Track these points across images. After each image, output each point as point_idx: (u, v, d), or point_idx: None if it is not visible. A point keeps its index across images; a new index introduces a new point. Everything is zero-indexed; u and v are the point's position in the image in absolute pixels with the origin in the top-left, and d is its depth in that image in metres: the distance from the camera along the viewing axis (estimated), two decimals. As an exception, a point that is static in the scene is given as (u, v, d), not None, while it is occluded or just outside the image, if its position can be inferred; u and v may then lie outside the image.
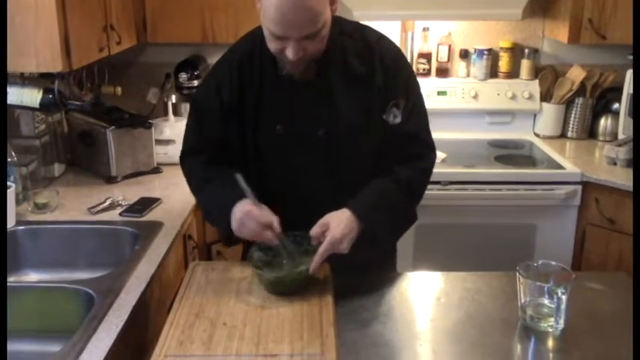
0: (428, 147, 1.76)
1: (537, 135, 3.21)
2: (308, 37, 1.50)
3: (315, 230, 1.57)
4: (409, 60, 3.14)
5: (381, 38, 1.70)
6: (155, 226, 2.07)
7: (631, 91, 2.90)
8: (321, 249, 1.53)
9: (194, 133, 1.77)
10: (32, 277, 2.03)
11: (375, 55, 1.65)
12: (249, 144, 1.69)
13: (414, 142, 1.72)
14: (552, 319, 1.44)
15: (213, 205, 1.71)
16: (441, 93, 3.15)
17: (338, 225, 1.55)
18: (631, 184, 2.52)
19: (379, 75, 1.64)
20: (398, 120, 1.67)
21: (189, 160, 1.80)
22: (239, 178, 1.58)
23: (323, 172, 1.68)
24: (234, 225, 1.59)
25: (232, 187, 1.60)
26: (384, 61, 1.65)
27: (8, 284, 1.65)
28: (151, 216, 2.18)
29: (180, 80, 2.80)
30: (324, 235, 1.55)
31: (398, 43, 3.12)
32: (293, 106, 1.65)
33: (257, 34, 1.66)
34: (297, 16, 1.45)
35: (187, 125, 1.81)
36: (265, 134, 1.67)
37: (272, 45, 1.54)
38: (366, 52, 1.65)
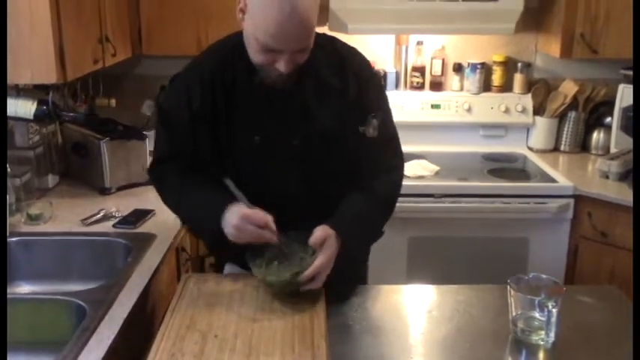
0: (401, 158, 1.78)
1: (530, 148, 3.23)
2: (300, 50, 1.51)
3: (315, 240, 1.56)
4: (403, 73, 3.17)
5: (352, 51, 1.72)
6: (148, 238, 2.07)
7: (623, 105, 2.93)
8: (317, 262, 1.52)
9: (164, 142, 1.75)
10: (24, 288, 2.03)
11: (348, 68, 1.66)
12: (225, 154, 1.67)
13: (388, 154, 1.74)
14: (543, 333, 1.45)
15: (199, 212, 1.67)
16: (435, 106, 3.16)
17: (333, 244, 1.56)
18: (623, 197, 2.54)
19: (353, 88, 1.65)
20: (376, 132, 1.68)
21: (161, 167, 1.77)
22: (229, 182, 1.58)
23: (299, 180, 1.68)
24: (230, 230, 1.56)
25: (218, 192, 1.61)
26: (357, 75, 1.67)
27: None
28: (144, 228, 2.18)
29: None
30: (321, 246, 1.55)
31: (392, 56, 3.16)
32: (268, 116, 1.65)
33: (227, 44, 1.67)
34: (298, 31, 1.46)
35: (157, 135, 1.79)
36: (242, 145, 1.66)
37: (260, 57, 1.53)
38: (338, 65, 1.66)
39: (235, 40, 1.65)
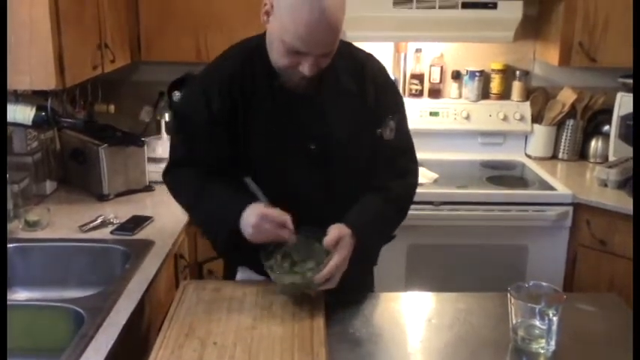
0: (415, 162, 1.80)
1: (529, 156, 3.23)
2: (325, 54, 1.52)
3: (329, 241, 1.55)
4: (402, 81, 3.17)
5: (368, 56, 1.74)
6: (146, 245, 2.06)
7: (621, 113, 2.93)
8: (332, 263, 1.52)
9: (182, 146, 1.74)
10: (22, 295, 2.02)
11: (366, 74, 1.68)
12: (241, 157, 1.67)
13: (405, 157, 1.76)
14: (543, 341, 1.44)
15: (216, 213, 1.65)
16: (433, 114, 3.17)
17: (348, 243, 1.56)
18: (622, 205, 2.54)
19: (371, 94, 1.67)
20: (393, 134, 1.70)
21: (175, 171, 1.76)
22: (249, 181, 1.60)
23: (315, 185, 1.68)
24: (248, 230, 1.56)
25: (236, 192, 1.61)
26: (375, 79, 1.69)
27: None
28: (142, 234, 2.18)
29: (174, 99, 2.80)
30: (336, 247, 1.54)
31: (390, 63, 3.16)
32: (287, 120, 1.65)
33: (245, 49, 1.68)
34: (326, 34, 1.47)
35: (173, 139, 1.80)
36: (259, 148, 1.66)
37: (284, 60, 1.53)
38: (356, 70, 1.68)
39: (252, 45, 1.66)
